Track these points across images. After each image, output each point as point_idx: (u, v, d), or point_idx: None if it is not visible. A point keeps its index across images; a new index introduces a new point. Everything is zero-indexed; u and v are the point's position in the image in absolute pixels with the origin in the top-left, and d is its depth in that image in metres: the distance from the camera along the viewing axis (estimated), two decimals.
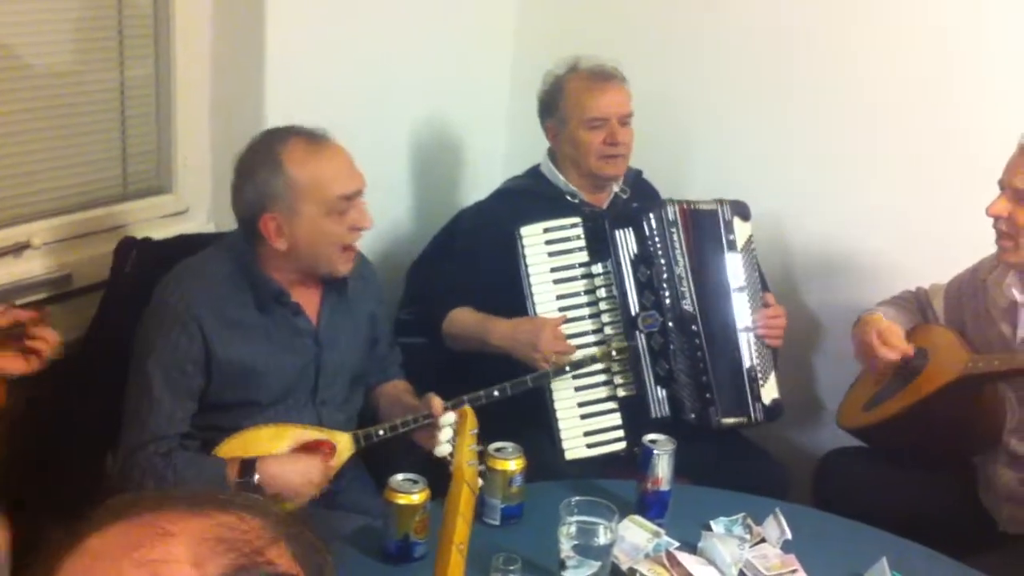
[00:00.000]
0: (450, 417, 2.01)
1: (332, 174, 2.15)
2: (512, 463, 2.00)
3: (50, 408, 2.29)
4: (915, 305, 2.77)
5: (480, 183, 3.32)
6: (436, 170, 3.35)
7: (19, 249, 2.39)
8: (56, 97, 2.50)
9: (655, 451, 2.05)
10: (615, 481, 2.18)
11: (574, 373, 2.54)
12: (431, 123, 3.28)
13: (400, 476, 1.88)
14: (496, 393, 2.36)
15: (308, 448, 2.21)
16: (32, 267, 2.43)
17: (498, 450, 2.03)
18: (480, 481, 1.89)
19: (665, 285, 2.62)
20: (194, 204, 2.82)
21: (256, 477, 2.09)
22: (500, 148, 3.48)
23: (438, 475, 1.96)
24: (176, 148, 2.74)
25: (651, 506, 2.06)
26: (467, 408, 1.99)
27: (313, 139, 2.17)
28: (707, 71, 3.21)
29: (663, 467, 2.05)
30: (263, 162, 2.14)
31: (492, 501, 2.00)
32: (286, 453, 2.17)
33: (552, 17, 3.39)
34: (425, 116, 3.25)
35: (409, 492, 1.85)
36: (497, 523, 2.01)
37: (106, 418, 2.28)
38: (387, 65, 3.00)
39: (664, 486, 2.06)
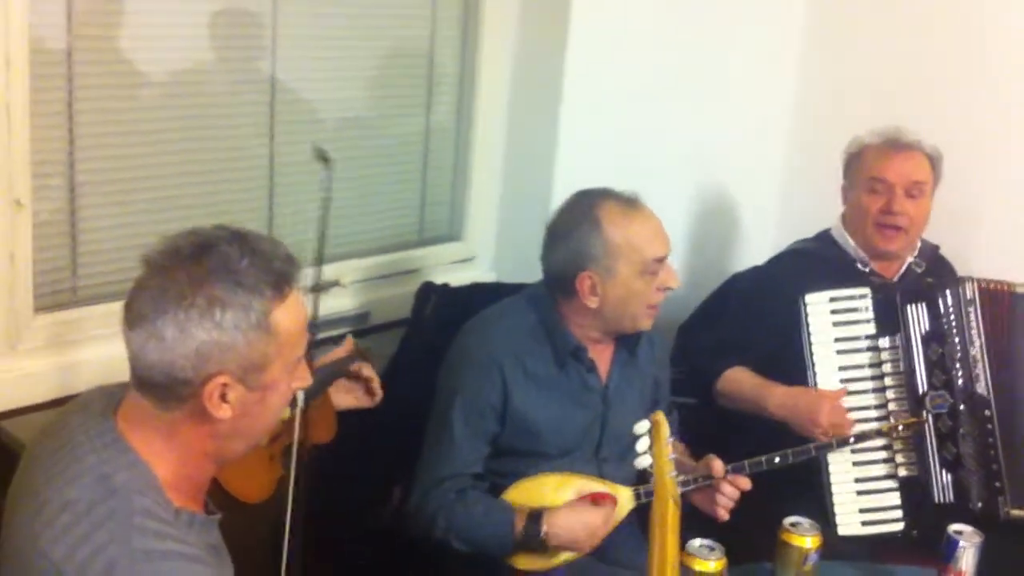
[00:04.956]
0: (644, 426, 1.88)
1: (647, 236, 2.21)
2: (808, 540, 1.96)
3: (347, 439, 2.42)
4: None
5: (751, 248, 3.31)
6: (708, 233, 3.36)
7: (329, 286, 2.54)
8: (367, 147, 2.67)
9: (961, 543, 1.97)
10: (909, 567, 2.10)
11: (857, 447, 2.48)
12: (706, 188, 3.30)
13: (698, 541, 1.87)
14: (777, 460, 2.33)
15: (590, 499, 2.24)
16: (339, 304, 2.59)
17: (794, 525, 1.99)
18: (679, 491, 1.84)
19: (958, 365, 2.52)
20: (480, 253, 2.94)
21: (543, 529, 2.13)
22: (773, 214, 3.45)
23: (725, 540, 1.94)
24: (469, 197, 2.87)
25: None
26: (659, 414, 1.89)
27: (628, 203, 2.24)
28: (997, 146, 3.09)
29: (967, 560, 1.97)
30: (581, 222, 2.21)
31: None
32: (572, 505, 2.20)
33: (831, 86, 3.34)
34: (700, 181, 3.28)
35: (707, 559, 1.83)
36: None
37: (396, 453, 2.40)
38: (669, 128, 3.05)
39: None
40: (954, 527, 2.02)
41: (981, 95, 3.10)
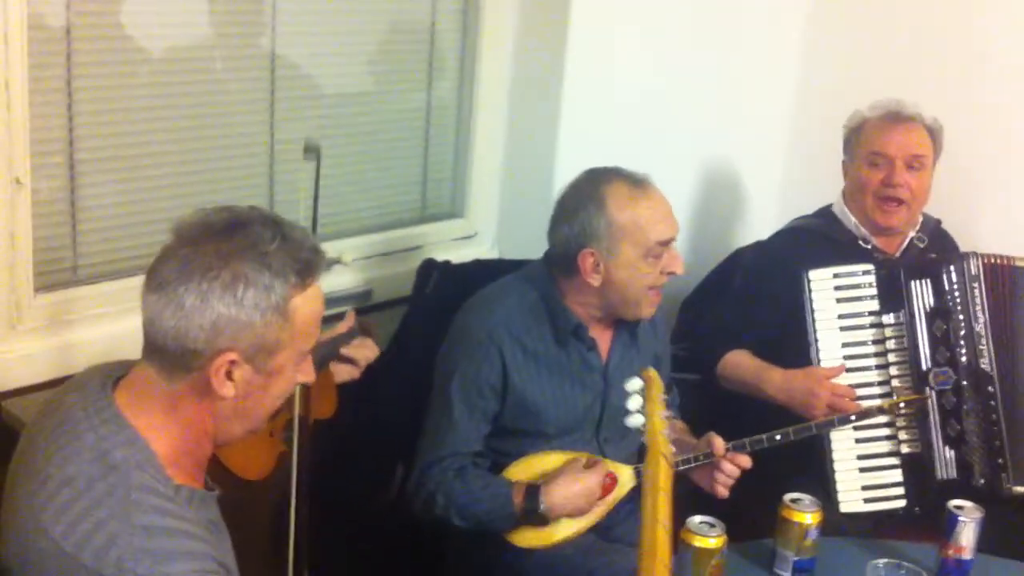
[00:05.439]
0: (636, 384, 1.85)
1: (652, 219, 2.19)
2: (809, 516, 1.96)
3: (349, 416, 2.42)
4: None
5: (755, 223, 3.30)
6: (712, 209, 3.35)
7: (331, 264, 2.54)
8: (368, 123, 2.66)
9: (960, 518, 1.97)
10: (910, 543, 2.10)
11: (860, 424, 2.47)
12: (709, 161, 3.29)
13: (698, 518, 1.87)
14: (779, 438, 2.33)
15: (585, 465, 2.23)
16: (341, 281, 2.59)
17: (794, 501, 1.99)
18: (673, 449, 1.78)
19: (962, 342, 2.51)
20: (482, 230, 2.94)
21: (542, 504, 2.13)
22: (776, 189, 3.43)
23: (726, 516, 1.95)
24: (471, 174, 2.86)
25: (951, 575, 1.98)
26: (651, 371, 1.87)
27: (636, 183, 2.22)
28: (1005, 119, 3.07)
29: (968, 535, 1.97)
30: (587, 200, 2.20)
31: (785, 553, 1.96)
32: (567, 474, 2.19)
33: (834, 61, 3.31)
34: (704, 154, 3.26)
35: (707, 535, 1.83)
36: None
37: (398, 430, 2.40)
38: (672, 103, 3.03)
39: (967, 555, 1.97)
40: (954, 503, 2.02)
41: (981, 67, 3.08)
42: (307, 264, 1.43)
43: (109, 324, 2.23)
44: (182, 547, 1.35)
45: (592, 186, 2.22)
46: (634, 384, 1.84)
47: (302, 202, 1.92)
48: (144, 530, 1.33)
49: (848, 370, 2.53)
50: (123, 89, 2.26)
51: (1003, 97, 3.06)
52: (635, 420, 1.82)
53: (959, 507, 2.00)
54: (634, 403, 1.83)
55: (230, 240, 1.39)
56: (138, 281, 2.18)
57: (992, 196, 3.08)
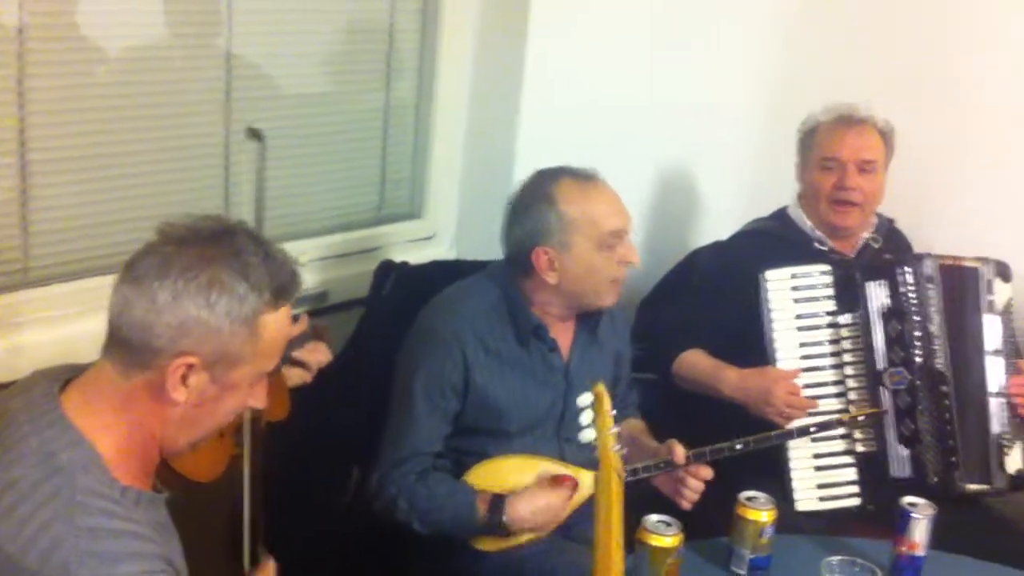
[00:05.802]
0: (587, 399, 1.85)
1: (603, 211, 2.21)
2: (764, 514, 1.97)
3: (303, 419, 2.40)
4: None
5: (713, 223, 3.31)
6: (670, 207, 3.36)
7: None
8: (326, 124, 2.65)
9: (913, 514, 1.99)
10: (865, 540, 2.12)
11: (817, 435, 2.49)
12: (668, 162, 3.30)
13: (655, 517, 1.88)
14: (739, 447, 2.33)
15: (552, 482, 2.24)
16: None
17: (750, 499, 2.00)
18: (624, 463, 1.81)
19: (917, 342, 2.54)
20: (440, 231, 2.93)
21: (505, 516, 2.13)
22: (735, 189, 3.45)
23: (682, 515, 1.95)
24: (430, 175, 2.86)
25: (904, 570, 2.00)
26: (601, 387, 1.85)
27: (584, 178, 2.25)
28: (960, 121, 3.11)
29: (920, 531, 1.99)
30: (536, 199, 2.23)
31: (741, 551, 1.97)
32: (533, 489, 2.20)
33: (797, 61, 3.34)
34: (663, 155, 3.27)
35: (663, 534, 1.84)
36: (744, 573, 1.98)
37: (354, 432, 2.39)
38: (632, 104, 3.03)
39: (920, 551, 2.00)
40: (907, 499, 2.04)
41: (937, 70, 3.13)
42: (284, 285, 1.44)
43: (61, 327, 2.20)
44: (128, 548, 1.34)
45: (541, 185, 2.25)
46: (585, 399, 1.87)
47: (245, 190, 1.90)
48: (89, 532, 1.32)
49: (804, 370, 2.55)
50: (77, 89, 2.23)
51: (958, 99, 3.10)
52: (587, 435, 1.85)
53: (912, 504, 2.03)
54: (586, 418, 1.86)
55: (214, 246, 1.40)
56: (90, 283, 2.21)
57: (945, 196, 3.12)
